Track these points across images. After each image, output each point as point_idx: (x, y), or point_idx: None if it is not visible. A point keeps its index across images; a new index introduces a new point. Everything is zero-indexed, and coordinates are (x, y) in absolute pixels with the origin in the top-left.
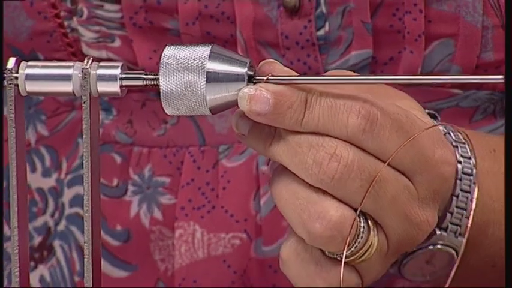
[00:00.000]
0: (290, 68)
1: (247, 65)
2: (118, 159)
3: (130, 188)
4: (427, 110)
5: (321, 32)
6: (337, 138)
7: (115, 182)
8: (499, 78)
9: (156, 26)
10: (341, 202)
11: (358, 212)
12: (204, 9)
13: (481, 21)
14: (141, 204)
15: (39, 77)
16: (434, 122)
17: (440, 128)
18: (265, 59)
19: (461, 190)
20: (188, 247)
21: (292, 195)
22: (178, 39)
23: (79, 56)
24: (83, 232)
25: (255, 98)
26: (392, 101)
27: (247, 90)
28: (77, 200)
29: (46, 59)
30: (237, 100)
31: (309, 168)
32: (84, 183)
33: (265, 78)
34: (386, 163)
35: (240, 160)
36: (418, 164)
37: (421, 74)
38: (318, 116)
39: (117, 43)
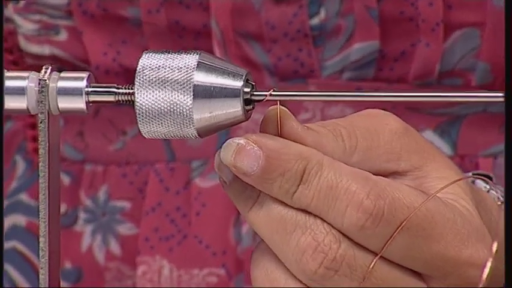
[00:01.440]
0: (277, 65)
1: (244, 78)
2: (66, 179)
3: (82, 215)
4: (478, 172)
5: (315, 21)
6: (330, 225)
7: (62, 208)
8: (498, 96)
9: (111, 14)
10: None
11: None
12: None
13: None
14: (95, 235)
15: None
16: (487, 186)
17: (481, 184)
18: (246, 54)
19: None
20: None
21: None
22: (139, 30)
23: (16, 52)
24: (22, 272)
25: (242, 152)
26: (428, 166)
27: (236, 140)
28: (15, 233)
29: None
30: (231, 120)
31: (290, 252)
32: (40, 221)
33: (267, 93)
34: (375, 259)
35: (217, 179)
36: (436, 267)
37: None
38: (312, 195)
39: (63, 36)
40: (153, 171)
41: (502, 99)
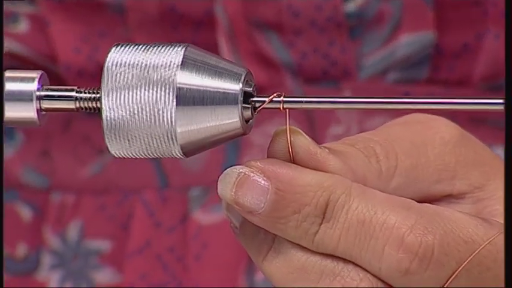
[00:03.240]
0: (302, 63)
1: (243, 78)
2: (26, 213)
3: (47, 259)
4: None
5: (351, 6)
6: (365, 270)
7: (22, 250)
8: (498, 103)
9: (86, 0)
10: None
11: None
12: None
13: None
14: (64, 285)
15: None
16: None
17: None
18: (261, 49)
19: None
20: None
21: None
22: (122, 19)
23: None
24: None
25: (245, 185)
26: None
27: (237, 169)
28: None
29: None
30: (226, 134)
31: None
32: None
33: (275, 98)
34: None
35: (222, 212)
36: None
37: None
38: (339, 235)
39: (24, 26)
40: (140, 202)
41: (501, 107)
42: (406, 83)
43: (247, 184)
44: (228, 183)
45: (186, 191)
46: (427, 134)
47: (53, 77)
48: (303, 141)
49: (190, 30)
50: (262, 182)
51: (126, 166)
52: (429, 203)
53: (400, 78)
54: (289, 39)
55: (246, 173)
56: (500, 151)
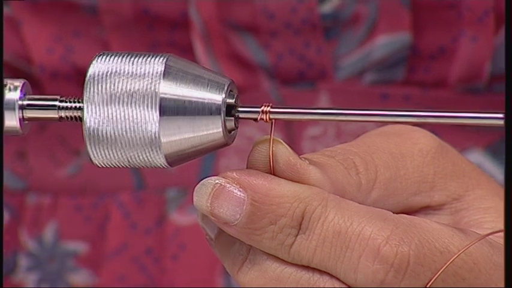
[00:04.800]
0: (278, 65)
1: (226, 89)
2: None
3: (23, 261)
4: None
5: (326, 7)
6: (341, 281)
7: None
8: (497, 117)
9: (59, 1)
10: None
11: None
12: None
13: None
14: (40, 286)
15: None
16: None
17: None
18: (236, 51)
19: None
20: None
21: None
22: (95, 19)
23: None
24: None
25: (221, 196)
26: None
27: (213, 180)
28: None
29: None
30: (209, 144)
31: None
32: None
33: (257, 109)
34: None
35: None
36: None
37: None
38: (315, 246)
39: None
40: (116, 203)
41: (501, 122)
42: (382, 84)
43: (223, 195)
44: (203, 194)
45: (163, 192)
46: (406, 146)
47: (28, 79)
48: (283, 152)
49: (165, 31)
50: (238, 193)
51: (102, 168)
52: (407, 214)
53: (376, 80)
54: (265, 40)
55: (222, 184)
56: (480, 155)
